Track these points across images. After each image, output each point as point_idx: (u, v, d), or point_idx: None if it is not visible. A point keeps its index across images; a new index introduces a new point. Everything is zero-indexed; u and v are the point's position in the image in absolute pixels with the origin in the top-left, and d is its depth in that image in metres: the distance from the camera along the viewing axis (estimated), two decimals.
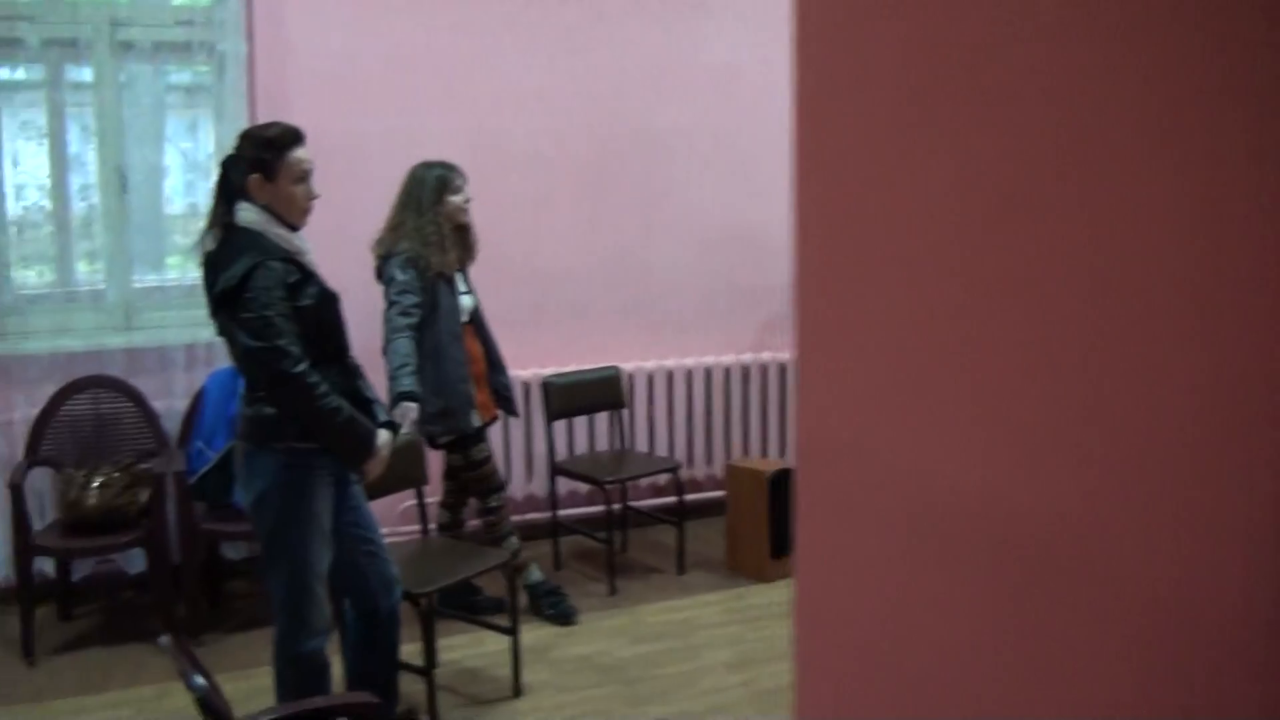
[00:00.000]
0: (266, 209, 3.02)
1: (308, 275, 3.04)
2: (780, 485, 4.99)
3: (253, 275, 2.88)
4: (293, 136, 3.06)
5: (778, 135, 5.61)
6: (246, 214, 3.01)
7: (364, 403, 3.17)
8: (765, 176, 5.66)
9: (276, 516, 3.04)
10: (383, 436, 3.15)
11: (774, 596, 4.80)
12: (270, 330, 2.87)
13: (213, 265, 2.98)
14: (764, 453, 5.82)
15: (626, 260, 5.49)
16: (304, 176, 3.07)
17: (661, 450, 5.57)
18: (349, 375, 3.17)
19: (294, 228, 3.07)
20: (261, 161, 3.00)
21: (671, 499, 5.33)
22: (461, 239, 4.27)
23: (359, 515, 3.29)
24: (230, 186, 3.02)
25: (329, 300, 3.10)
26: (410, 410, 3.85)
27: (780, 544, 5.00)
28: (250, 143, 3.04)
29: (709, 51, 5.56)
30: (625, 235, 5.48)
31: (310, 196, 3.09)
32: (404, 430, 3.60)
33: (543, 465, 5.32)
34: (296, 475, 3.02)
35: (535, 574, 4.55)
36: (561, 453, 5.16)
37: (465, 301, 4.32)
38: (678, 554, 5.08)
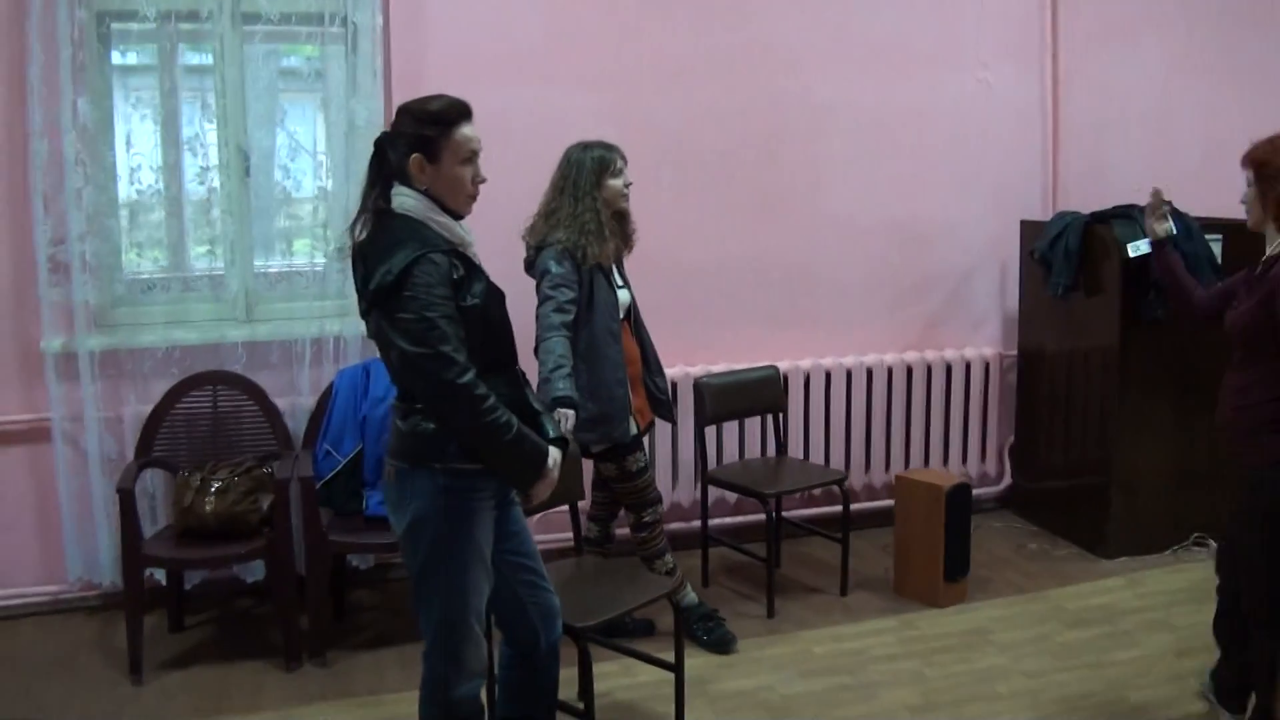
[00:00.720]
0: (427, 194, 2.60)
1: (474, 270, 2.62)
2: (958, 501, 4.49)
3: (413, 270, 2.47)
4: (460, 111, 2.64)
5: (942, 116, 5.16)
6: (405, 199, 2.60)
7: (532, 415, 2.75)
8: (928, 162, 5.17)
9: (433, 546, 2.63)
10: (553, 455, 2.73)
11: (949, 625, 4.31)
12: (433, 334, 2.46)
13: (364, 257, 2.57)
14: (926, 461, 5.32)
15: (779, 250, 5.02)
16: (471, 157, 2.65)
17: (816, 456, 5.10)
18: (516, 385, 2.74)
19: (458, 216, 2.66)
20: (424, 139, 2.59)
21: (827, 509, 4.87)
22: (620, 227, 3.85)
23: (520, 541, 2.87)
24: (386, 167, 2.61)
25: (496, 299, 2.68)
26: (568, 418, 3.43)
27: (955, 566, 4.50)
28: (411, 118, 2.62)
29: (870, 25, 5.06)
30: (778, 223, 5.01)
31: (478, 180, 2.68)
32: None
33: (688, 471, 4.89)
34: (457, 499, 2.61)
35: (690, 596, 4.12)
36: (710, 458, 4.70)
37: (623, 296, 3.89)
38: (842, 572, 4.60)
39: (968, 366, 5.31)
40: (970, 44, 5.22)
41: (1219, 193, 5.32)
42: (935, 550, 4.46)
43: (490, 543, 2.71)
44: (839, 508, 4.58)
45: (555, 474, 2.74)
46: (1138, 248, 4.68)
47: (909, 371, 5.22)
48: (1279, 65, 5.88)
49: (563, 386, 3.47)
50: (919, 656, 4.06)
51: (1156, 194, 3.73)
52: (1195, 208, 4.86)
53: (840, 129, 5.03)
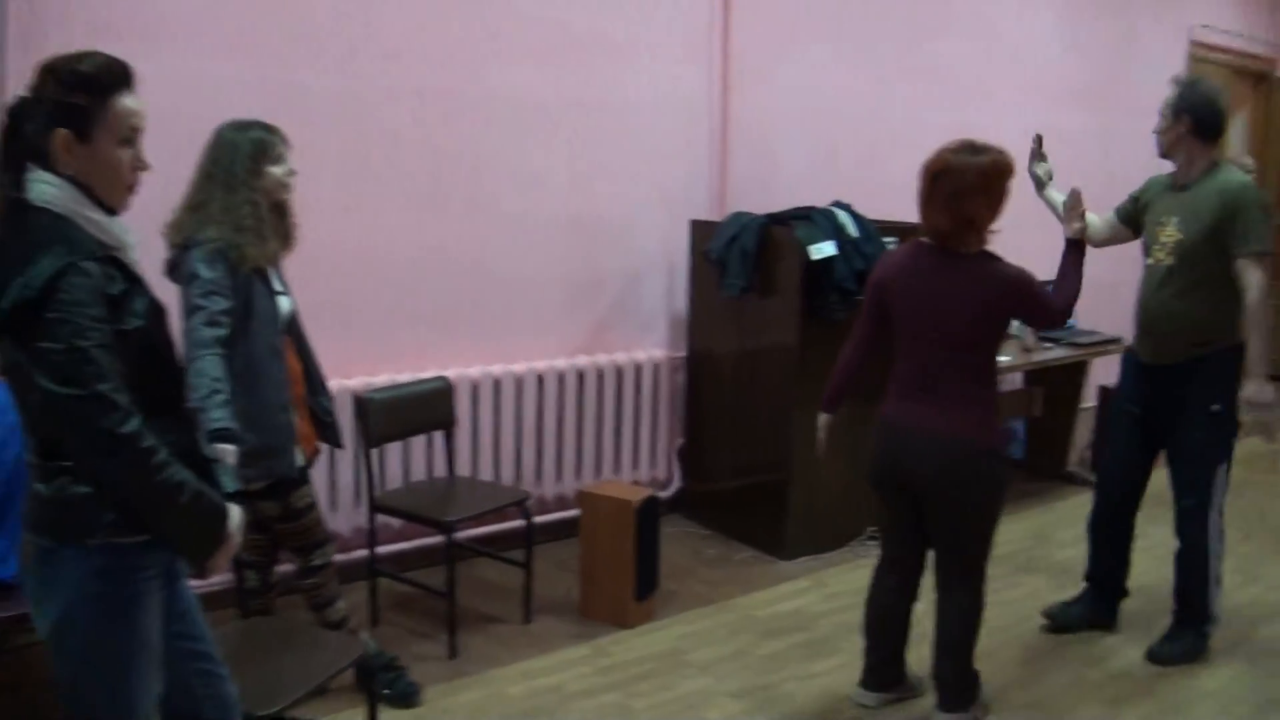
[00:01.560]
0: (74, 181, 1.96)
1: (135, 282, 2.01)
2: (648, 515, 4.24)
3: (59, 284, 1.84)
4: (120, 74, 2.02)
5: (613, 111, 4.87)
6: (45, 188, 1.94)
7: (204, 465, 2.17)
8: (599, 158, 4.89)
9: (89, 646, 2.01)
10: (234, 515, 2.17)
11: (643, 648, 4.05)
12: (88, 369, 1.84)
13: None
14: (598, 469, 5.06)
15: (447, 247, 4.55)
16: (132, 136, 2.03)
17: (486, 472, 4.69)
18: (186, 429, 2.16)
19: (113, 210, 2.03)
20: (72, 110, 1.95)
21: (500, 526, 4.49)
22: (280, 222, 3.26)
23: (190, 622, 2.29)
24: (20, 145, 1.95)
25: (158, 318, 2.08)
26: (228, 455, 2.84)
27: (645, 583, 4.26)
28: (56, 81, 1.96)
29: (542, 13, 4.69)
30: (446, 217, 4.54)
31: (139, 166, 2.06)
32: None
33: (348, 496, 4.35)
34: (117, 584, 2.00)
35: (368, 643, 3.60)
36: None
37: (283, 304, 3.30)
38: (524, 599, 4.22)
39: (638, 370, 5.09)
40: (643, 39, 4.98)
41: (884, 195, 5.44)
42: (625, 568, 4.18)
43: (159, 631, 2.11)
44: (512, 524, 4.21)
45: (237, 538, 2.18)
46: (820, 250, 4.63)
47: (580, 377, 4.91)
48: (945, 67, 6.10)
49: (219, 417, 2.86)
50: (619, 688, 3.76)
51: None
52: (865, 211, 4.89)
53: (513, 118, 4.63)
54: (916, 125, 5.97)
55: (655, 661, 3.95)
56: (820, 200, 5.10)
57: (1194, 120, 3.88)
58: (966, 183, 3.22)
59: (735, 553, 5.00)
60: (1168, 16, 7.52)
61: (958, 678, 3.52)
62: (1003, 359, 5.08)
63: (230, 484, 2.22)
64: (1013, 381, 6.30)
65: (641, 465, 5.18)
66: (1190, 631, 4.10)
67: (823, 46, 5.59)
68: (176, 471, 1.97)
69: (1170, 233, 3.90)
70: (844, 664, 3.97)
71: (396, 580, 4.22)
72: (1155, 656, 4.08)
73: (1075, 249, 3.51)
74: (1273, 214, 3.88)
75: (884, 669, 3.69)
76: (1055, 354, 5.82)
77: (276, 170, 3.16)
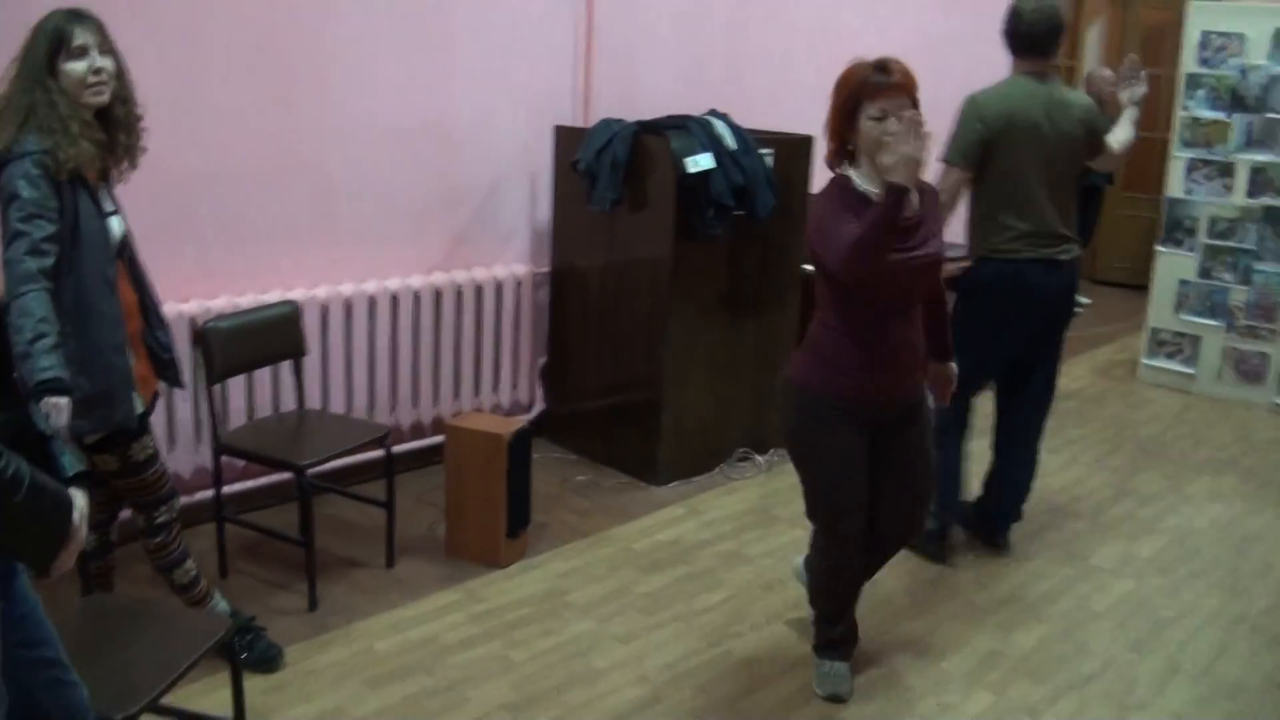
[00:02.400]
0: None
1: None
2: (520, 449, 3.96)
3: None
4: None
5: (468, 5, 4.41)
6: None
7: (39, 446, 1.79)
8: (454, 57, 4.48)
9: None
10: (79, 505, 1.79)
11: (519, 590, 3.81)
12: None
13: None
14: (457, 393, 4.73)
15: (292, 155, 4.09)
16: None
17: (338, 403, 4.31)
18: (14, 403, 1.76)
19: None
20: None
21: (353, 459, 4.12)
22: (110, 133, 2.77)
23: (33, 626, 1.91)
24: None
25: None
26: (60, 410, 2.42)
27: (517, 520, 4.00)
28: None
29: None
30: (292, 121, 4.06)
31: None
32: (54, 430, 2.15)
33: (186, 434, 3.92)
34: None
35: (222, 605, 3.25)
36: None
37: (114, 226, 2.84)
38: (387, 541, 3.91)
39: (499, 287, 4.75)
40: None
41: (753, 104, 5.18)
42: (495, 505, 3.91)
43: None
44: (368, 456, 3.89)
45: (84, 531, 1.81)
46: (696, 163, 4.36)
47: (437, 296, 4.54)
48: None
49: (48, 364, 2.43)
50: (498, 636, 3.51)
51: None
52: (738, 121, 4.63)
53: (360, 15, 4.14)
54: (787, 31, 5.72)
55: (533, 605, 3.71)
56: (689, 109, 4.82)
57: (1009, 39, 3.88)
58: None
59: (605, 479, 4.78)
60: None
61: (815, 610, 3.40)
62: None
63: (72, 464, 1.83)
64: None
65: (503, 388, 4.87)
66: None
67: None
68: (9, 464, 1.59)
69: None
70: (728, 598, 3.82)
71: (245, 527, 3.84)
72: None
73: (888, 193, 2.84)
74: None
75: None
76: None
77: (75, 67, 2.64)
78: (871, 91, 2.82)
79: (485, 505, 3.91)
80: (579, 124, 4.87)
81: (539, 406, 5.07)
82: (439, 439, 4.62)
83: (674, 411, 4.68)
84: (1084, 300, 8.07)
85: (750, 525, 4.41)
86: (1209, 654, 3.69)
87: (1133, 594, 4.06)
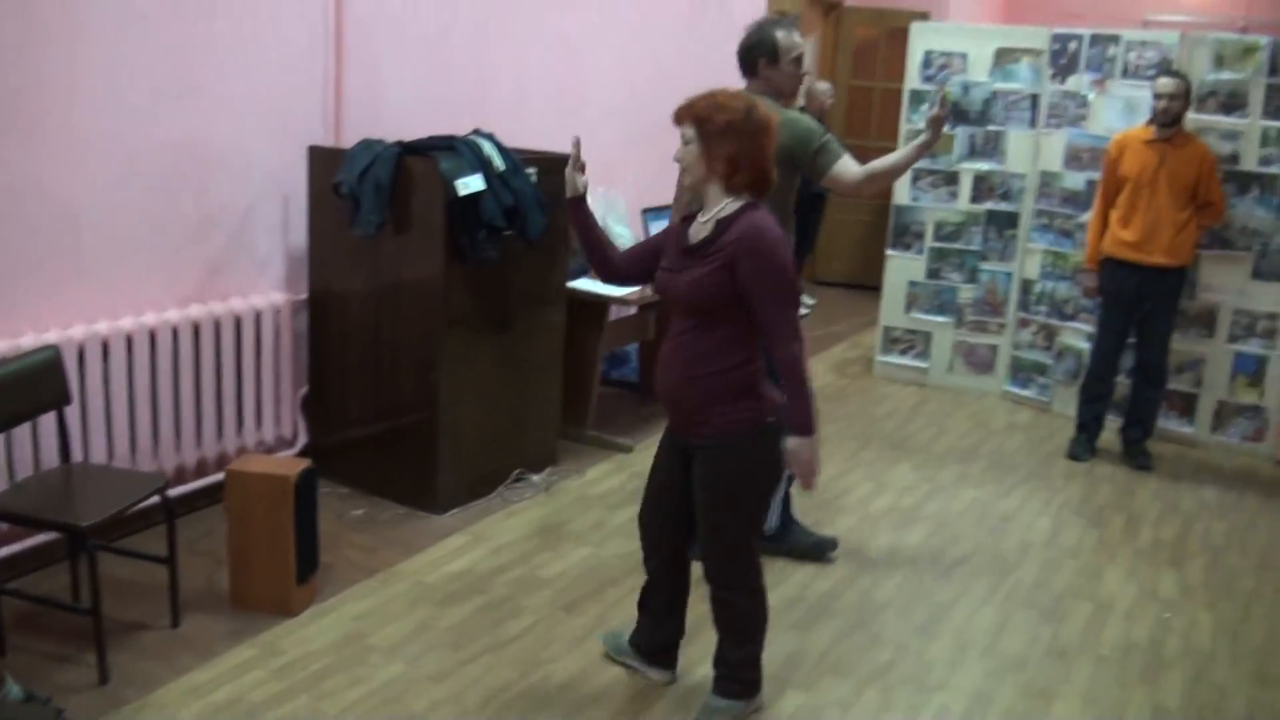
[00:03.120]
0: None
1: None
2: (306, 489, 3.76)
3: None
4: None
5: (217, 16, 4.15)
6: None
7: None
8: (204, 71, 4.23)
9: None
10: None
11: (317, 638, 3.60)
12: None
13: None
14: (220, 431, 4.45)
15: (35, 182, 3.72)
16: None
17: (98, 453, 3.96)
18: None
19: None
20: None
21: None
22: None
23: None
24: None
25: None
26: None
27: (306, 563, 3.80)
28: None
29: None
30: (32, 144, 3.69)
31: None
32: None
33: None
34: None
35: (15, 691, 2.92)
36: None
37: None
38: (171, 598, 3.61)
39: (258, 316, 4.49)
40: None
41: (500, 120, 5.14)
42: (283, 550, 3.69)
43: None
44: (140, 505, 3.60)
45: None
46: (467, 184, 4.28)
47: (195, 329, 4.25)
48: None
49: None
50: (305, 690, 3.32)
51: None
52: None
53: (97, 28, 3.80)
54: (527, 50, 5.71)
55: (335, 652, 3.53)
56: (437, 127, 4.74)
57: None
58: (729, 124, 2.94)
59: (382, 511, 4.61)
60: None
61: (746, 663, 3.35)
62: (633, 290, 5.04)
63: None
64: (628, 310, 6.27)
65: (266, 423, 4.61)
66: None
67: None
68: None
69: None
70: (533, 624, 3.78)
71: (18, 597, 3.48)
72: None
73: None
74: None
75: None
76: None
77: None
78: None
79: (272, 551, 3.69)
80: (329, 144, 4.68)
81: (302, 440, 4.84)
82: (205, 482, 4.36)
83: (451, 436, 4.58)
84: (809, 301, 8.49)
85: (539, 548, 4.37)
86: (991, 631, 3.95)
87: (909, 582, 4.29)
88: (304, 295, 4.74)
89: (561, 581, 4.10)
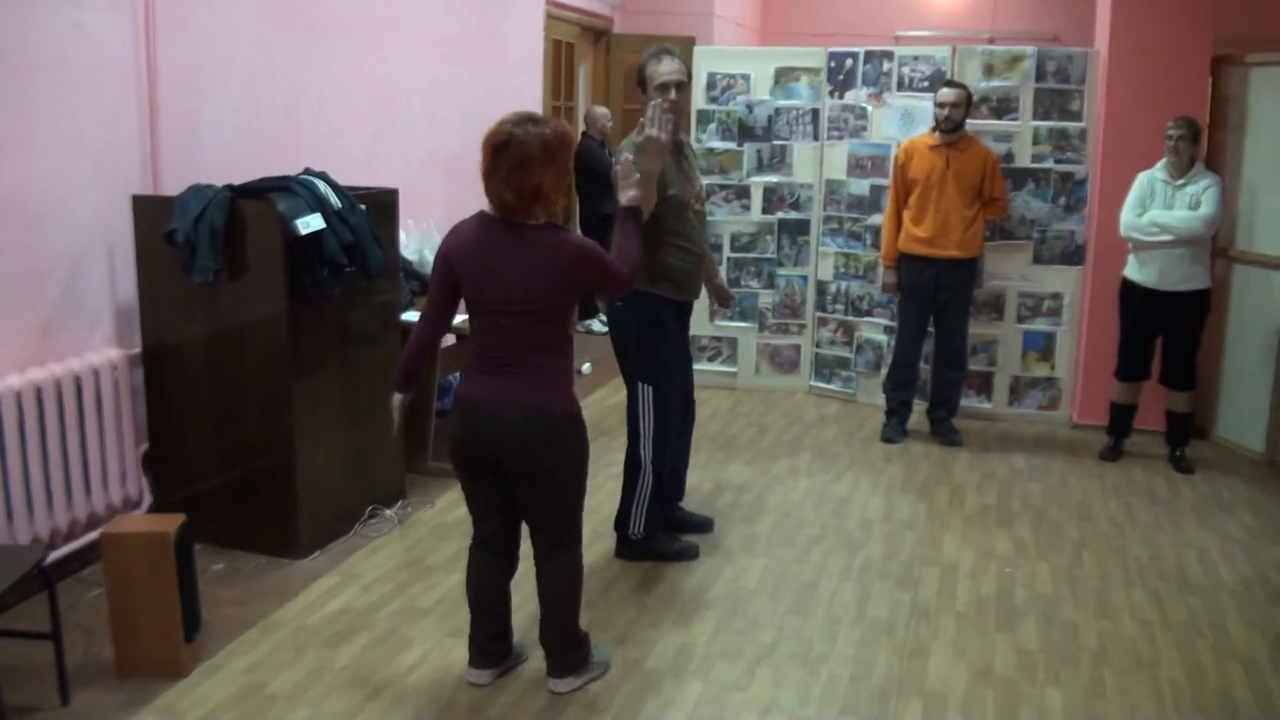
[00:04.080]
0: None
1: None
2: (185, 545, 3.69)
3: None
4: None
5: (35, 66, 4.08)
6: None
7: None
8: (26, 122, 4.07)
9: None
10: None
11: (216, 697, 3.52)
12: None
13: None
14: (69, 497, 4.27)
15: None
16: None
17: None
18: None
19: None
20: None
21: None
22: None
23: None
24: None
25: None
26: None
27: (192, 621, 3.72)
28: None
29: None
30: None
31: None
32: None
33: None
34: None
35: None
36: None
37: None
38: (59, 675, 3.46)
39: (96, 374, 4.34)
40: None
41: (311, 157, 5.14)
42: (168, 611, 3.60)
43: None
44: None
45: None
46: (308, 224, 4.30)
47: (38, 393, 4.07)
48: (352, 22, 5.81)
49: None
50: None
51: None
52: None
53: None
54: (332, 82, 5.71)
55: (238, 707, 3.47)
56: (255, 169, 4.72)
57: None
58: (531, 154, 3.18)
59: (243, 563, 4.52)
60: None
61: (568, 643, 3.58)
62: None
63: None
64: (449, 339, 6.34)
65: (112, 485, 4.45)
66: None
67: None
68: None
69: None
70: (426, 653, 3.81)
71: None
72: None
73: (631, 216, 3.53)
74: None
75: (494, 645, 3.63)
76: None
77: None
78: None
79: (157, 613, 3.59)
80: (149, 191, 4.58)
81: (148, 499, 4.69)
82: (59, 554, 4.18)
83: (307, 480, 4.54)
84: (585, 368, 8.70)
85: (410, 579, 4.39)
86: (856, 602, 4.25)
87: (771, 568, 4.55)
88: (138, 349, 4.60)
89: (442, 609, 4.14)
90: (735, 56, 7.29)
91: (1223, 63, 6.31)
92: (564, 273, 3.27)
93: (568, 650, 3.57)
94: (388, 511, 5.01)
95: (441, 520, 5.00)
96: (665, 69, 4.26)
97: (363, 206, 4.63)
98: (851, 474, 5.74)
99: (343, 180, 4.84)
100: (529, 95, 7.57)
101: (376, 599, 4.22)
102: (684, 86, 4.32)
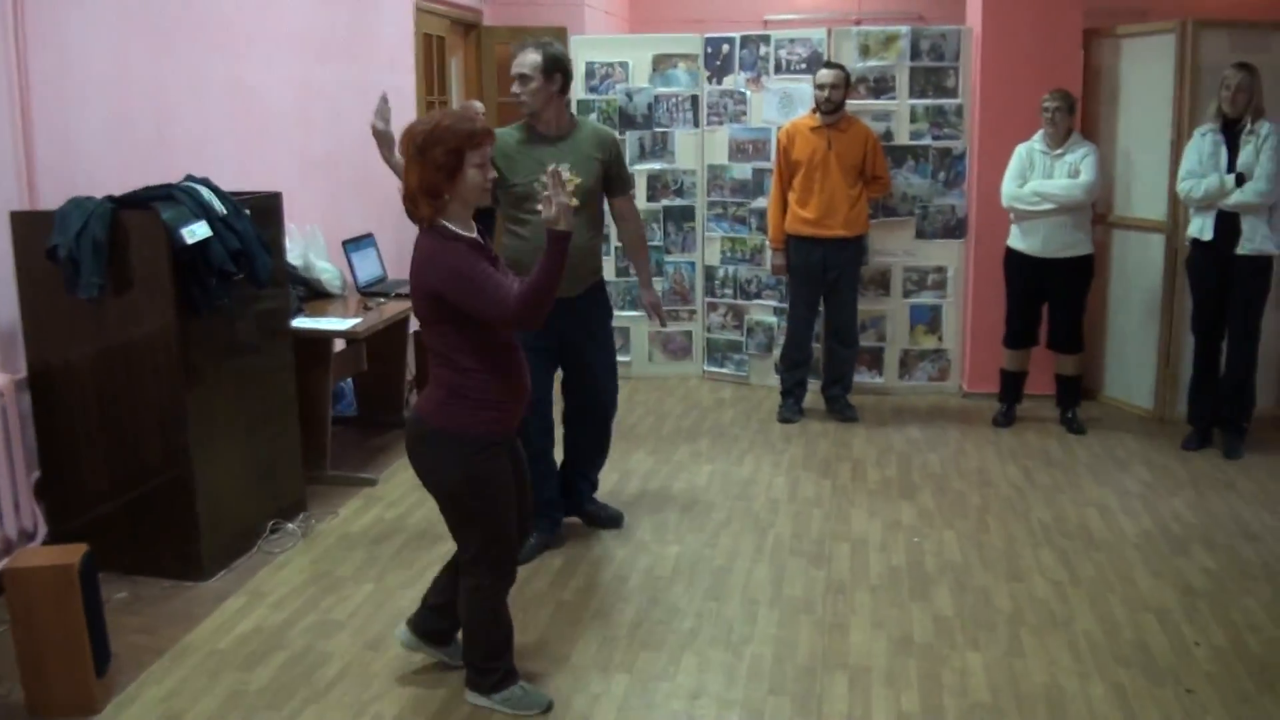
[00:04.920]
0: None
1: None
2: (90, 575, 3.57)
3: None
4: None
5: None
6: None
7: None
8: None
9: None
10: None
11: None
12: None
13: None
14: None
15: None
16: None
17: None
18: None
19: None
20: None
21: None
22: None
23: None
24: None
25: None
26: None
27: (102, 654, 3.60)
28: None
29: None
30: None
31: None
32: None
33: None
34: None
35: None
36: None
37: None
38: None
39: None
40: None
41: (190, 161, 4.99)
42: (78, 645, 3.46)
43: None
44: None
45: None
46: (194, 232, 4.18)
47: None
48: (219, 22, 5.64)
49: None
50: None
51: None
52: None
53: None
54: (197, 85, 5.55)
55: None
56: (132, 177, 4.57)
57: (564, 78, 4.34)
58: (406, 151, 3.14)
59: (145, 589, 4.37)
60: None
61: (472, 660, 3.50)
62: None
63: None
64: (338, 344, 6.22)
65: (5, 519, 4.28)
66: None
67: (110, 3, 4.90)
68: None
69: (571, 178, 4.18)
70: (345, 667, 3.76)
71: None
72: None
73: (555, 241, 3.03)
74: None
75: (434, 619, 3.65)
76: (390, 309, 5.81)
77: None
78: (476, 141, 3.00)
79: (66, 649, 3.45)
80: (26, 206, 4.40)
81: (44, 530, 4.51)
82: None
83: (207, 497, 4.43)
84: None
85: (321, 593, 4.31)
86: (771, 582, 4.32)
87: (684, 554, 4.59)
88: (24, 374, 4.42)
89: (356, 621, 4.08)
90: (613, 44, 7.30)
91: (1094, 35, 6.55)
92: (429, 287, 3.10)
93: (472, 666, 3.51)
94: (290, 525, 4.90)
95: (347, 530, 4.92)
96: (515, 62, 4.32)
97: (247, 211, 4.52)
98: (753, 456, 5.82)
99: (221, 186, 4.72)
100: (403, 92, 7.45)
101: (288, 616, 4.13)
102: (553, 77, 4.34)
